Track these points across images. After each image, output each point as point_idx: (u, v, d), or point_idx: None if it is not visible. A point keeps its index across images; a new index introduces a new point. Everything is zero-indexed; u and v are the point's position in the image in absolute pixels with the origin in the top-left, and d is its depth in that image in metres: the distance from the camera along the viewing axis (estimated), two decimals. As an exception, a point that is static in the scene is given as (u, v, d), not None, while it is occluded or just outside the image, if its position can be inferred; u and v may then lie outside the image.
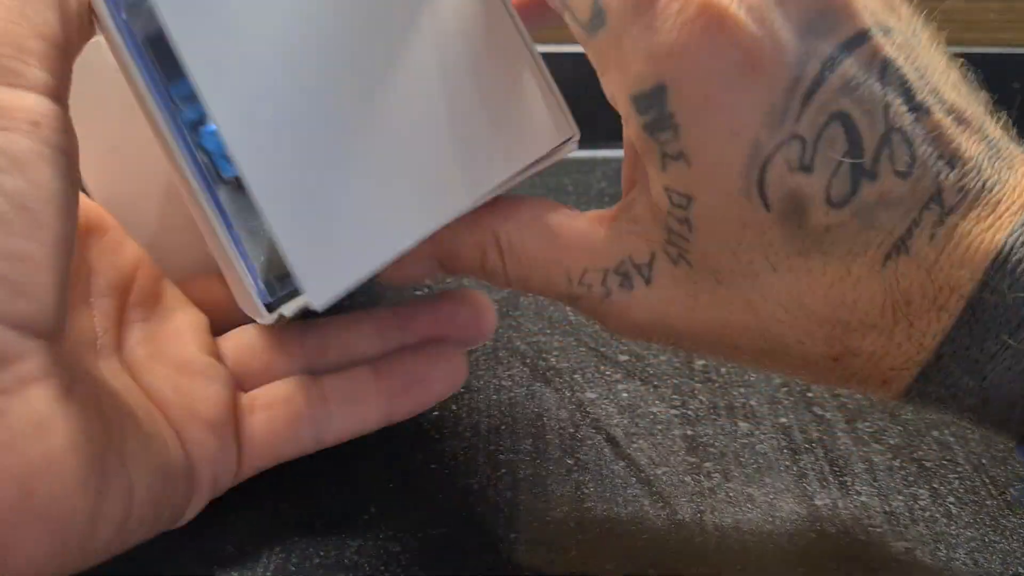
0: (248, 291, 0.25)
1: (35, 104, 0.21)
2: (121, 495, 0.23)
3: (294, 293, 0.26)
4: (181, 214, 0.28)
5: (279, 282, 0.26)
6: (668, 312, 0.24)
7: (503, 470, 0.31)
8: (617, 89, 0.23)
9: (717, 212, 0.22)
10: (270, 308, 0.26)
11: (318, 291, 0.22)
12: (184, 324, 0.27)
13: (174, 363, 0.26)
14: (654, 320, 0.24)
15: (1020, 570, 0.27)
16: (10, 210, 0.20)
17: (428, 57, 0.24)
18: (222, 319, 0.29)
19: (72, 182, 0.22)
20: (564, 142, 0.26)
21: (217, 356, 0.28)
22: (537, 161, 0.26)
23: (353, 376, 0.28)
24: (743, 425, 0.33)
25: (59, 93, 0.22)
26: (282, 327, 0.28)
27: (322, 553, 0.28)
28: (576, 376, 0.35)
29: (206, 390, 0.26)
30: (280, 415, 0.27)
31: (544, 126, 0.26)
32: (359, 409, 0.28)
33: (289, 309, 0.26)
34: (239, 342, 0.28)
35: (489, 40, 0.25)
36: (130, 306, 0.27)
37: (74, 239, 0.22)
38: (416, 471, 0.31)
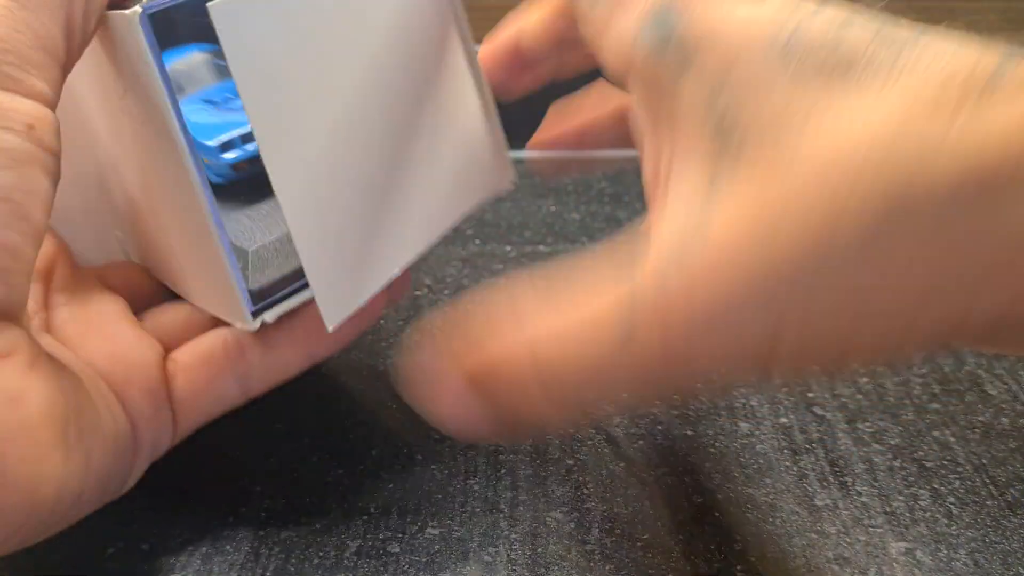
0: (234, 299, 0.27)
1: (31, 108, 0.22)
2: (80, 466, 0.23)
3: (274, 302, 0.28)
4: (92, 208, 0.31)
5: (261, 293, 0.27)
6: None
7: (503, 470, 0.31)
8: (619, 37, 0.22)
9: (750, 68, 0.19)
10: (254, 315, 0.27)
11: (332, 317, 0.26)
12: (106, 306, 0.28)
13: (104, 336, 0.27)
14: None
15: (1021, 571, 0.27)
16: None
17: (415, 119, 0.28)
18: (140, 305, 0.29)
19: (54, 180, 0.23)
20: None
21: (141, 329, 0.28)
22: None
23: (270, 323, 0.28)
24: (743, 425, 0.33)
25: (53, 102, 0.23)
26: None
27: (322, 553, 0.28)
28: (576, 376, 0.35)
29: (139, 358, 0.27)
30: (201, 375, 0.28)
31: (495, 170, 0.31)
32: (278, 355, 0.28)
33: (271, 315, 0.28)
34: (161, 317, 0.29)
35: (457, 100, 0.30)
36: (53, 291, 0.28)
37: (45, 231, 0.23)
38: (415, 472, 0.31)
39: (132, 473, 0.27)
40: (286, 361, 0.29)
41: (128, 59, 0.24)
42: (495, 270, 0.42)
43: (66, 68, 0.23)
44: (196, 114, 0.28)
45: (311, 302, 0.28)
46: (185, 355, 0.28)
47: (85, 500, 0.24)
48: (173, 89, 0.24)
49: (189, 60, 0.29)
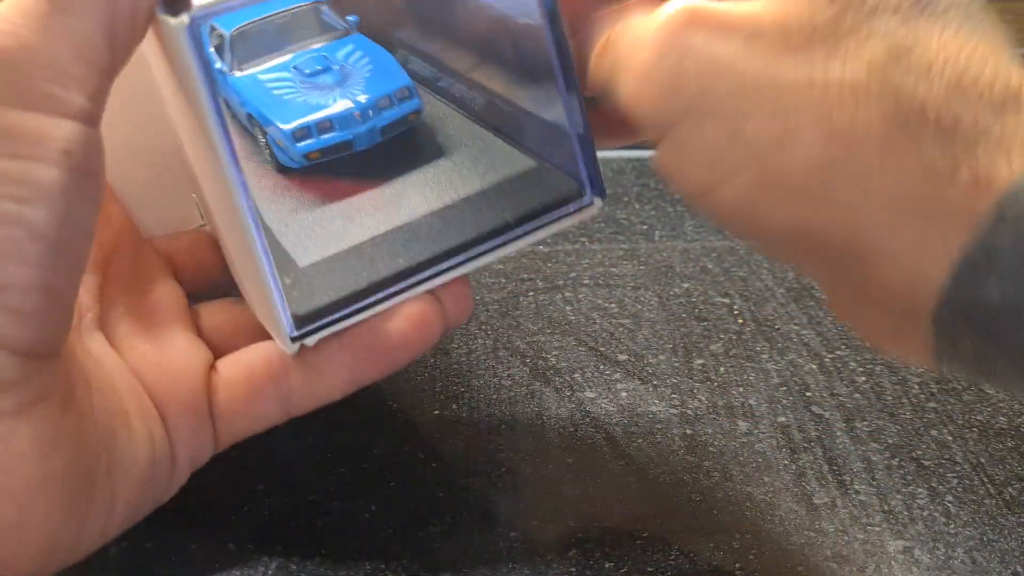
0: (278, 321, 0.25)
1: (69, 133, 0.20)
2: (104, 507, 0.23)
3: (322, 326, 0.26)
4: (167, 173, 0.29)
5: (308, 316, 0.26)
6: None
7: (503, 470, 0.31)
8: None
9: None
10: (294, 340, 0.26)
11: None
12: (163, 297, 0.27)
13: (154, 339, 0.26)
14: None
15: (1018, 569, 0.27)
16: (29, 242, 0.20)
17: None
18: (205, 280, 0.29)
19: (95, 203, 0.21)
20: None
21: (195, 330, 0.27)
22: None
23: (317, 345, 0.27)
24: (742, 424, 0.33)
25: (95, 116, 0.21)
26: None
27: (322, 552, 0.28)
28: (576, 376, 0.35)
29: (184, 370, 0.26)
30: (242, 392, 0.26)
31: None
32: (323, 379, 0.27)
33: (312, 340, 0.26)
34: (218, 316, 0.28)
35: None
36: (110, 282, 0.27)
37: (88, 258, 0.22)
38: (416, 470, 0.31)
39: (169, 489, 0.26)
40: (330, 385, 0.27)
41: (177, 64, 0.23)
42: (495, 270, 0.42)
43: (112, 73, 0.21)
44: (279, 85, 0.27)
45: (359, 325, 0.26)
46: (229, 368, 0.27)
47: (110, 533, 0.24)
48: (220, 106, 0.22)
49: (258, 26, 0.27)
